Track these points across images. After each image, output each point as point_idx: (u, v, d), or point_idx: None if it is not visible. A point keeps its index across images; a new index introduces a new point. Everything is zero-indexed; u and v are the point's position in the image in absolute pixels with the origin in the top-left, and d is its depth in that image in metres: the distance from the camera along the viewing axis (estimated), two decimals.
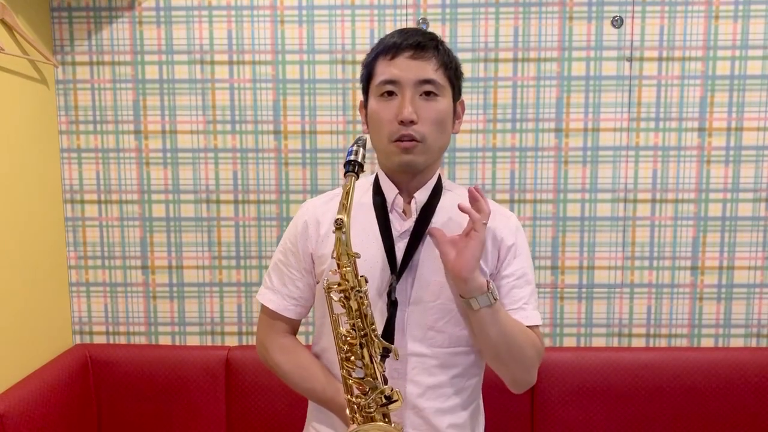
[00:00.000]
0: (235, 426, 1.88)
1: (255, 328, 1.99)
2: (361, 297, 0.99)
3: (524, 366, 1.12)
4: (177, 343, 2.02)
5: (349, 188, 0.97)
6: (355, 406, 1.02)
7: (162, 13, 1.90)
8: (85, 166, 1.96)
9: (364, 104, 1.15)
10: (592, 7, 1.85)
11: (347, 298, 0.99)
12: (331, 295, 1.02)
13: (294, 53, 1.90)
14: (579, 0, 1.85)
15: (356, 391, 1.02)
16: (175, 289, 2.00)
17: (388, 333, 1.07)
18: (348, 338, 1.01)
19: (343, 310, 1.01)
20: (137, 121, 1.94)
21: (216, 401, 1.88)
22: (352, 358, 1.01)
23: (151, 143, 1.95)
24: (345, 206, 0.96)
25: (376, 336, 1.00)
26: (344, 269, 0.98)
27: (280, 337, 1.21)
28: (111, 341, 2.02)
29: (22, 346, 1.74)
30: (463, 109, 1.17)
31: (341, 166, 1.93)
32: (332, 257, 1.00)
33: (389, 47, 1.07)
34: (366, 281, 1.02)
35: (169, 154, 1.95)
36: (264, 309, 1.22)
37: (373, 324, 1.01)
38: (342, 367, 1.03)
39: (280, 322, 1.21)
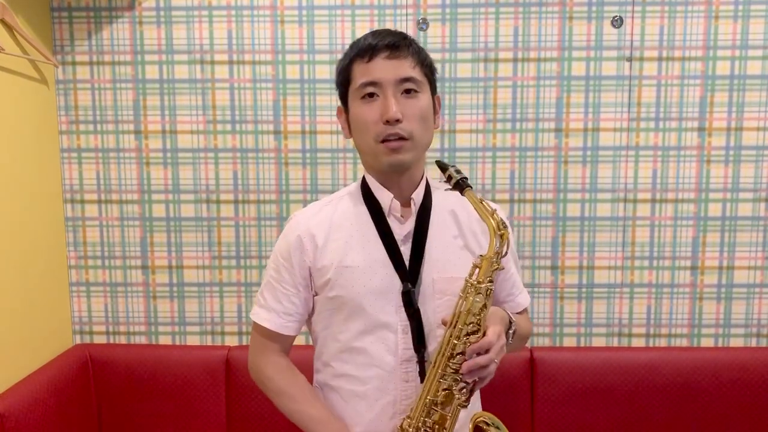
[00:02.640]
0: (235, 426, 1.88)
1: None
2: (491, 296, 1.06)
3: (525, 342, 1.33)
4: (177, 343, 2.02)
5: (474, 199, 1.05)
6: (432, 407, 1.04)
7: (162, 13, 1.90)
8: (85, 166, 1.97)
9: (344, 109, 1.14)
10: (592, 7, 1.85)
11: (480, 294, 1.03)
12: (468, 290, 1.04)
13: (294, 53, 1.90)
14: (579, 0, 1.85)
15: (440, 393, 1.04)
16: (175, 289, 2.00)
17: (420, 340, 1.09)
18: (468, 336, 1.03)
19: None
20: (137, 121, 1.94)
21: (216, 401, 1.88)
22: (458, 355, 1.03)
23: (151, 143, 1.95)
24: (487, 214, 1.04)
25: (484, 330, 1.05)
26: (491, 267, 1.03)
27: (276, 357, 1.19)
28: (111, 341, 2.02)
29: (22, 346, 1.74)
30: (440, 104, 1.17)
31: (341, 167, 1.93)
32: (490, 255, 1.03)
33: (364, 50, 1.07)
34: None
35: (169, 154, 1.95)
36: (257, 328, 1.19)
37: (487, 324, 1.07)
38: (441, 366, 1.04)
39: (275, 341, 1.19)
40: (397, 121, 1.04)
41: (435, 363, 1.03)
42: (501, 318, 1.09)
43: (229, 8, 1.89)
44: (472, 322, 1.02)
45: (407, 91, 1.06)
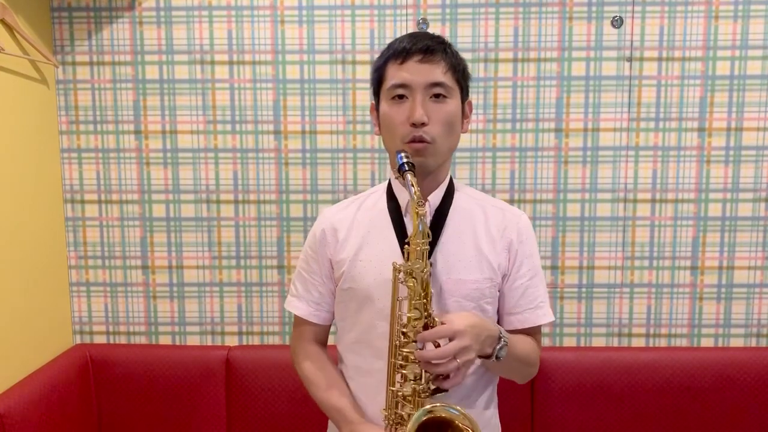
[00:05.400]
0: (235, 426, 1.88)
1: (255, 328, 2.00)
2: (427, 278, 1.01)
3: (531, 372, 1.20)
4: (177, 343, 2.02)
5: (413, 181, 1.02)
6: (400, 398, 1.02)
7: (162, 13, 1.90)
8: (85, 166, 1.97)
9: (376, 107, 1.17)
10: (592, 7, 1.85)
11: (415, 279, 1.01)
12: (398, 276, 1.03)
13: (294, 53, 1.90)
14: (579, 0, 1.85)
15: (397, 384, 1.03)
16: (175, 289, 2.00)
17: None
18: (410, 322, 1.01)
19: (406, 294, 1.02)
20: (137, 121, 1.94)
21: (216, 401, 1.88)
22: (407, 343, 1.01)
23: (151, 143, 1.95)
24: (417, 191, 1.01)
25: (437, 317, 1.01)
26: (417, 249, 1.00)
27: (307, 344, 1.25)
28: (111, 341, 2.02)
29: (22, 346, 1.74)
30: (471, 109, 1.19)
31: (341, 167, 1.93)
32: (406, 240, 1.03)
33: (399, 52, 1.09)
34: (431, 264, 1.05)
35: (169, 154, 1.95)
36: (294, 317, 1.27)
37: (432, 309, 1.03)
38: (393, 355, 1.04)
39: (308, 329, 1.25)
40: (423, 124, 1.06)
41: (390, 352, 1.04)
42: (481, 326, 1.01)
43: (229, 8, 1.89)
44: (416, 308, 1.01)
45: (436, 96, 1.08)
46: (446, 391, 1.01)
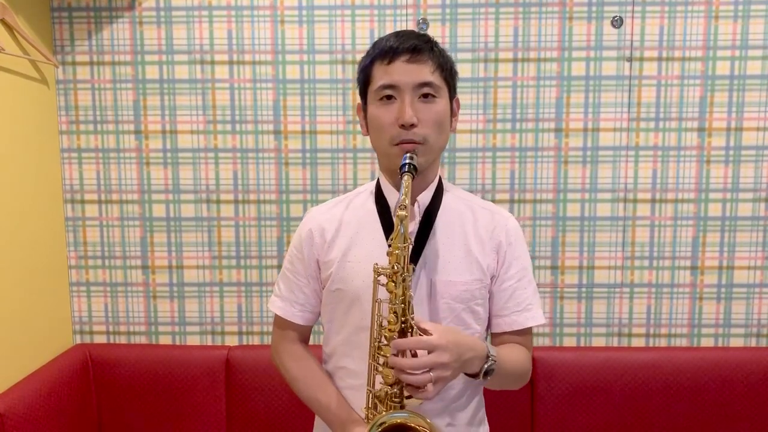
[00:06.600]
0: (235, 426, 1.88)
1: (255, 328, 2.00)
2: (407, 283, 1.00)
3: (521, 382, 1.18)
4: (177, 343, 2.02)
5: (408, 184, 1.01)
6: (376, 400, 1.02)
7: (162, 13, 1.90)
8: (85, 166, 1.97)
9: (362, 107, 1.16)
10: (592, 7, 1.86)
11: (394, 283, 0.99)
12: (378, 279, 1.02)
13: (294, 53, 1.90)
14: (579, 0, 1.85)
15: (378, 384, 1.02)
16: (175, 289, 2.00)
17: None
18: (388, 325, 1.00)
19: (387, 297, 1.00)
20: (137, 121, 1.95)
21: (216, 401, 1.88)
22: (386, 345, 1.00)
23: (151, 143, 1.95)
24: (406, 195, 0.99)
25: (415, 324, 1.00)
26: (396, 252, 0.99)
27: (290, 344, 1.24)
28: (111, 341, 2.02)
29: (22, 346, 1.74)
30: (459, 107, 1.18)
31: (341, 167, 1.93)
32: (387, 242, 1.01)
33: (386, 52, 1.07)
34: (413, 269, 1.04)
35: (169, 154, 1.95)
36: (275, 316, 1.25)
37: (412, 313, 1.01)
38: (372, 356, 1.03)
39: (290, 329, 1.24)
40: (412, 125, 1.05)
41: (369, 354, 1.04)
42: (465, 345, 0.99)
43: (229, 8, 1.89)
44: (394, 312, 0.99)
45: (425, 96, 1.07)
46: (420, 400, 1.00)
